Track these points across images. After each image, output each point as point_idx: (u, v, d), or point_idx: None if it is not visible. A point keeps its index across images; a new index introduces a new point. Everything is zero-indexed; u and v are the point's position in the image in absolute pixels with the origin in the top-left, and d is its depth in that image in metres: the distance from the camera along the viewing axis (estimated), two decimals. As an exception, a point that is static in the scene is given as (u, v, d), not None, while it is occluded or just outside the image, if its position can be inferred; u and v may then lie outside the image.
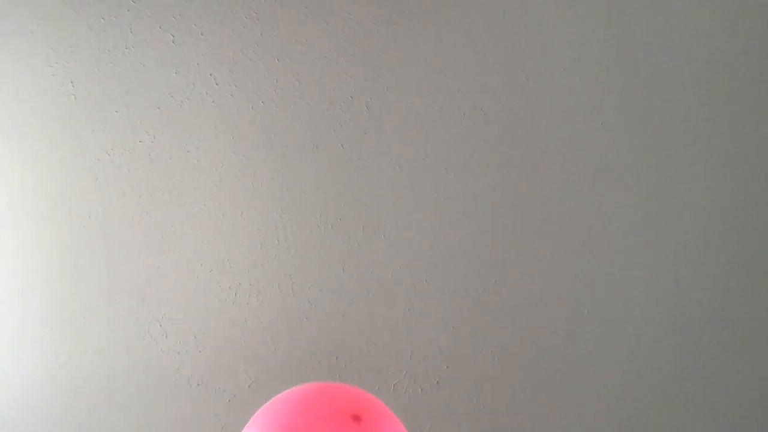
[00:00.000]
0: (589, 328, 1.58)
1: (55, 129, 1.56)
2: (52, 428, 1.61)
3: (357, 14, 1.54)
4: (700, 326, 1.58)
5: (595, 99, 1.55)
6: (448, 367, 1.55)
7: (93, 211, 1.57)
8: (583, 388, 1.58)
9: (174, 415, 1.58)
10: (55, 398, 1.60)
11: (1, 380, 1.60)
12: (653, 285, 1.58)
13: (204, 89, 1.55)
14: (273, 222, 1.56)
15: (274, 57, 1.55)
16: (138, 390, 1.59)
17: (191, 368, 1.58)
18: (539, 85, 1.55)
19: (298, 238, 1.56)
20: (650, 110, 1.56)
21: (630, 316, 1.58)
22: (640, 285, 1.57)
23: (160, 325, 1.58)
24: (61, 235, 1.57)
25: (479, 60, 1.55)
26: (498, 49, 1.55)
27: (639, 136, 1.56)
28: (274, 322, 1.56)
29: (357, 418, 1.20)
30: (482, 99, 1.55)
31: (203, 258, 1.57)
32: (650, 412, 1.59)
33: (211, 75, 1.55)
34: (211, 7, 1.54)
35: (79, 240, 1.57)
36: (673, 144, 1.56)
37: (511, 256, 1.57)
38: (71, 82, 1.55)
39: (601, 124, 1.56)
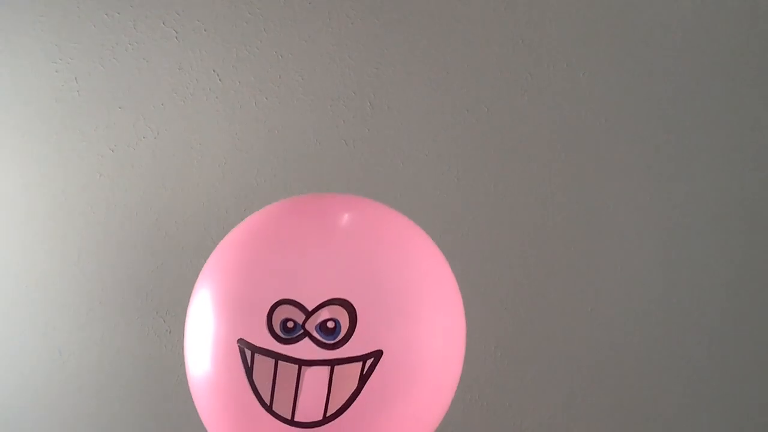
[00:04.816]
0: (592, 326, 1.58)
1: (58, 125, 1.56)
2: (55, 424, 1.61)
3: (360, 10, 1.54)
4: (703, 325, 1.58)
5: (598, 96, 1.55)
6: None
7: (96, 207, 1.57)
8: (585, 387, 1.58)
9: (177, 411, 1.59)
10: (59, 394, 1.60)
11: (4, 376, 1.60)
12: (656, 283, 1.57)
13: (207, 85, 1.55)
14: (276, 218, 1.56)
15: (278, 53, 1.55)
16: (141, 386, 1.59)
17: (194, 364, 1.58)
18: (542, 81, 1.54)
19: (301, 234, 1.56)
20: (654, 107, 1.55)
21: (633, 315, 1.57)
22: (643, 283, 1.57)
23: (164, 321, 1.58)
24: (64, 231, 1.57)
25: (482, 56, 1.55)
26: (501, 46, 1.54)
27: (642, 133, 1.56)
28: (277, 319, 1.56)
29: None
30: (485, 96, 1.55)
31: (206, 254, 1.57)
32: (652, 410, 1.59)
33: (214, 71, 1.55)
34: (214, 3, 1.54)
35: (82, 236, 1.57)
36: (676, 141, 1.56)
37: (513, 253, 1.57)
38: (75, 78, 1.55)
39: (605, 121, 1.55)
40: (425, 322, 0.83)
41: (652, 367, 1.58)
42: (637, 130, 1.56)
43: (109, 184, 1.57)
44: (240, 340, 0.79)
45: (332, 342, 0.77)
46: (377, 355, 0.78)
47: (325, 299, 0.78)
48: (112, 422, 1.61)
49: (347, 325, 0.77)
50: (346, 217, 0.87)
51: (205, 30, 1.54)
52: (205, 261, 1.55)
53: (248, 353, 0.79)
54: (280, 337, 0.78)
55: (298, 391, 0.77)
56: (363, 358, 0.77)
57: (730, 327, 1.57)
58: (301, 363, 0.77)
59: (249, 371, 0.79)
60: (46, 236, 1.57)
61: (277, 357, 0.78)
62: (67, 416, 1.61)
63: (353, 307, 0.77)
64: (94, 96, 1.56)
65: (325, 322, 0.78)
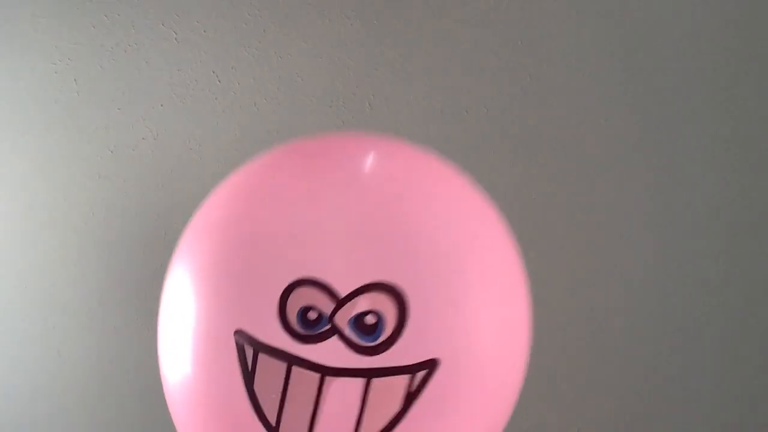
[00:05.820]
0: (592, 326, 1.58)
1: (57, 126, 1.56)
2: (55, 425, 1.62)
3: (359, 11, 1.54)
4: (703, 325, 1.58)
5: (598, 97, 1.55)
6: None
7: (95, 209, 1.57)
8: (585, 387, 1.58)
9: (177, 411, 1.59)
10: (58, 396, 1.61)
11: (3, 378, 1.61)
12: (656, 283, 1.57)
13: (206, 86, 1.55)
14: (276, 219, 1.56)
15: (277, 54, 1.54)
16: (141, 388, 1.60)
17: (194, 364, 1.58)
18: (542, 82, 1.54)
19: (301, 234, 1.56)
20: (654, 108, 1.55)
21: (632, 316, 1.58)
22: (642, 283, 1.57)
23: (164, 321, 1.59)
24: (63, 233, 1.58)
25: (482, 57, 1.54)
26: (501, 47, 1.54)
27: (643, 134, 1.55)
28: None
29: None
30: (485, 96, 1.54)
31: (206, 254, 1.57)
32: (652, 410, 1.59)
33: (213, 72, 1.55)
34: (213, 4, 1.53)
35: (81, 237, 1.58)
36: (677, 142, 1.55)
37: (513, 253, 1.57)
38: (74, 79, 1.55)
39: (605, 122, 1.55)
40: (489, 320, 0.59)
41: (652, 367, 1.58)
42: (636, 130, 1.55)
43: (109, 184, 1.57)
44: (238, 333, 0.55)
45: (371, 344, 0.54)
46: (431, 365, 0.54)
47: (364, 282, 0.54)
48: (112, 422, 1.61)
49: (394, 321, 0.54)
50: (383, 165, 0.58)
51: (204, 31, 1.54)
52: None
53: (249, 351, 0.54)
54: (297, 332, 0.54)
55: (317, 411, 0.54)
56: (412, 370, 0.54)
57: (730, 327, 1.57)
58: (325, 371, 0.53)
59: (249, 377, 0.55)
60: (45, 237, 1.58)
61: (292, 360, 0.53)
62: (66, 417, 1.61)
63: (402, 295, 0.53)
64: (93, 97, 1.56)
65: (362, 315, 0.54)
